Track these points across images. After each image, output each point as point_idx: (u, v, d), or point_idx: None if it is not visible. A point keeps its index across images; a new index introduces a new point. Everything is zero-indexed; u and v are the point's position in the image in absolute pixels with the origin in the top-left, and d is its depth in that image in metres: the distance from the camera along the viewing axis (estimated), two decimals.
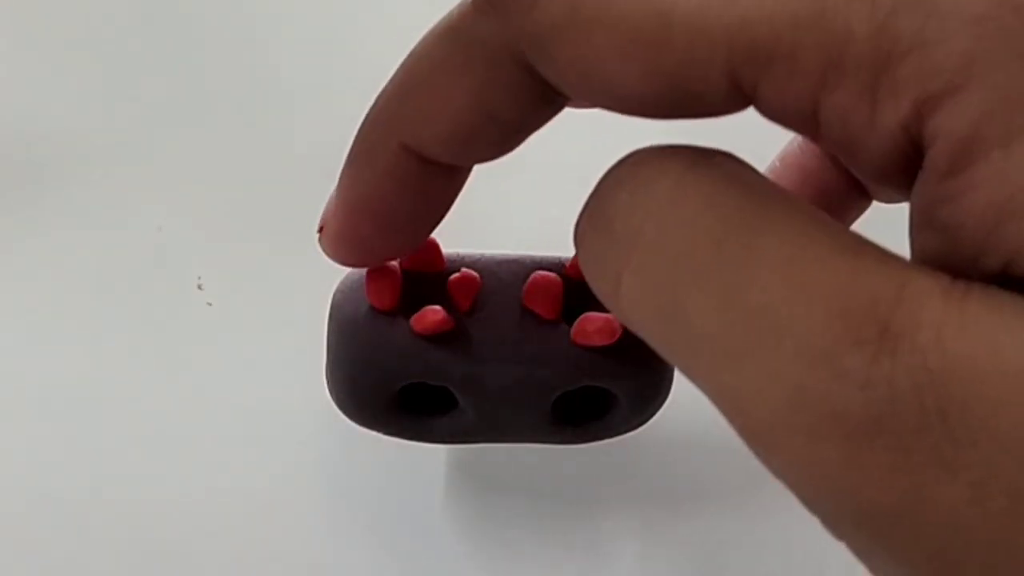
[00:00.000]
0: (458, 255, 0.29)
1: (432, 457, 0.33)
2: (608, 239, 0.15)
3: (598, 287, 0.16)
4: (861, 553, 0.13)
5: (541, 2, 0.15)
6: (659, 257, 0.14)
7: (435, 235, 0.30)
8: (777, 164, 0.24)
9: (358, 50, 0.40)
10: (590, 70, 0.15)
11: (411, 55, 0.18)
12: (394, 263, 0.28)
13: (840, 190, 0.24)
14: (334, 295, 0.29)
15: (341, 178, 0.19)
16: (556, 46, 0.15)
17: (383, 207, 0.18)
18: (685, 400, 0.28)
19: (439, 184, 0.18)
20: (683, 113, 0.16)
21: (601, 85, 0.15)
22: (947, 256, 0.13)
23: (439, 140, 0.17)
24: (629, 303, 0.15)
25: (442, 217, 0.20)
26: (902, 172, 0.14)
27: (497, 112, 0.17)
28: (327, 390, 0.29)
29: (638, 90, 0.15)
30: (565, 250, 0.30)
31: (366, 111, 0.20)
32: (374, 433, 0.29)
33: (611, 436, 0.29)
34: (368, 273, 0.28)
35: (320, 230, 0.19)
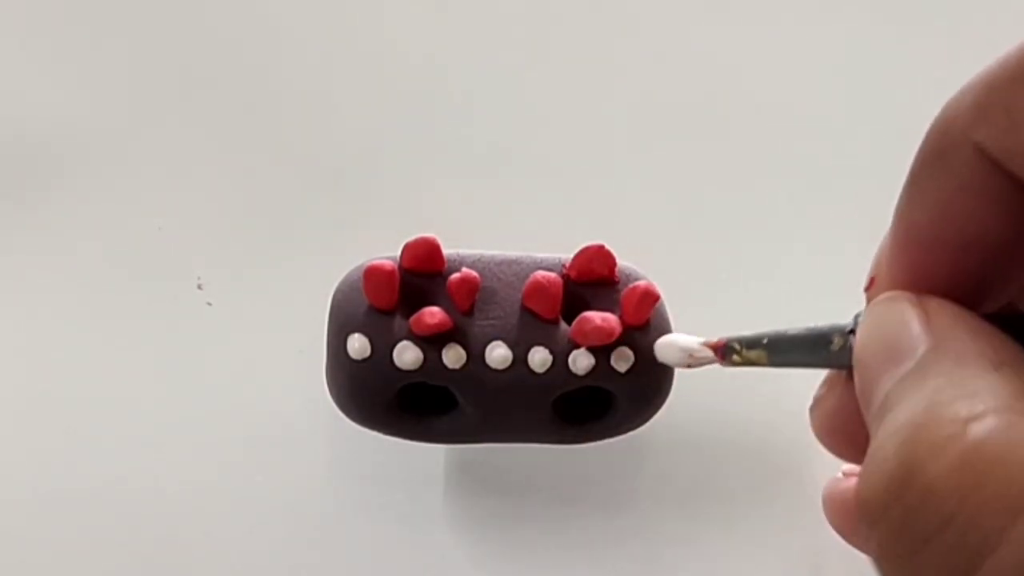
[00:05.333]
0: (458, 255, 0.29)
1: (432, 457, 0.33)
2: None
3: None
4: None
5: None
6: None
7: (435, 235, 0.30)
8: None
9: (358, 51, 0.40)
10: None
11: (1007, 52, 0.14)
12: (393, 263, 0.28)
13: None
14: (334, 295, 0.29)
15: (898, 202, 0.15)
16: None
17: (951, 232, 0.14)
18: (685, 400, 0.28)
19: (1018, 210, 0.14)
20: None
21: None
22: None
23: None
24: None
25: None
26: None
27: None
28: (327, 390, 0.29)
29: None
30: (565, 250, 0.30)
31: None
32: (374, 433, 0.29)
33: (611, 436, 0.29)
34: (368, 273, 0.28)
35: (869, 285, 0.16)
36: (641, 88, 0.39)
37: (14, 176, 0.38)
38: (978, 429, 0.12)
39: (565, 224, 0.35)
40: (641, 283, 0.28)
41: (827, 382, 0.17)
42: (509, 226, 0.36)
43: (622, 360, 0.27)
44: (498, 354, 0.27)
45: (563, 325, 0.28)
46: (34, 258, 0.36)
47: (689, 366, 0.25)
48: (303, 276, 0.35)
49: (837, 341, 0.17)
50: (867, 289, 0.16)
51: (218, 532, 0.32)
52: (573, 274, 0.29)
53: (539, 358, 0.27)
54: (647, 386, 0.28)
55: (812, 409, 0.18)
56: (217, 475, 0.33)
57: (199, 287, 0.36)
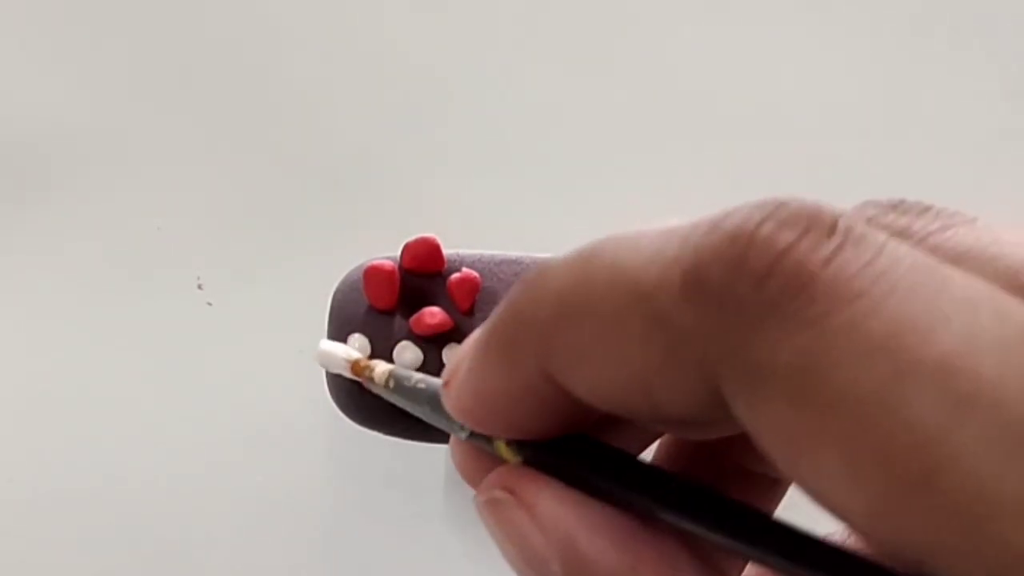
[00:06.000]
0: (458, 255, 0.29)
1: (432, 457, 0.33)
2: None
3: None
4: None
5: (774, 338, 0.12)
6: None
7: (435, 235, 0.30)
8: None
9: (358, 51, 0.40)
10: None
11: (577, 265, 0.15)
12: (394, 263, 0.28)
13: None
14: (334, 295, 0.29)
15: (475, 355, 0.16)
16: (798, 390, 0.12)
17: (511, 408, 0.15)
18: None
19: (577, 410, 0.15)
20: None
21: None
22: None
23: (588, 390, 0.14)
24: None
25: (584, 425, 0.16)
26: None
27: (663, 404, 0.14)
28: (327, 390, 0.29)
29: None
30: (565, 250, 0.30)
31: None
32: (374, 433, 0.29)
33: None
34: (368, 273, 0.28)
35: (445, 384, 0.16)
36: (641, 88, 0.39)
37: (14, 176, 0.38)
38: None
39: (565, 224, 0.35)
40: None
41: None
42: (509, 226, 0.36)
43: None
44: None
45: None
46: (34, 258, 0.36)
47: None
48: (303, 276, 0.35)
49: (463, 429, 0.17)
50: (445, 386, 0.16)
51: (218, 532, 0.32)
52: None
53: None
54: None
55: (451, 446, 0.18)
56: (217, 475, 0.33)
57: (199, 287, 0.36)
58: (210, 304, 0.35)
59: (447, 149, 0.38)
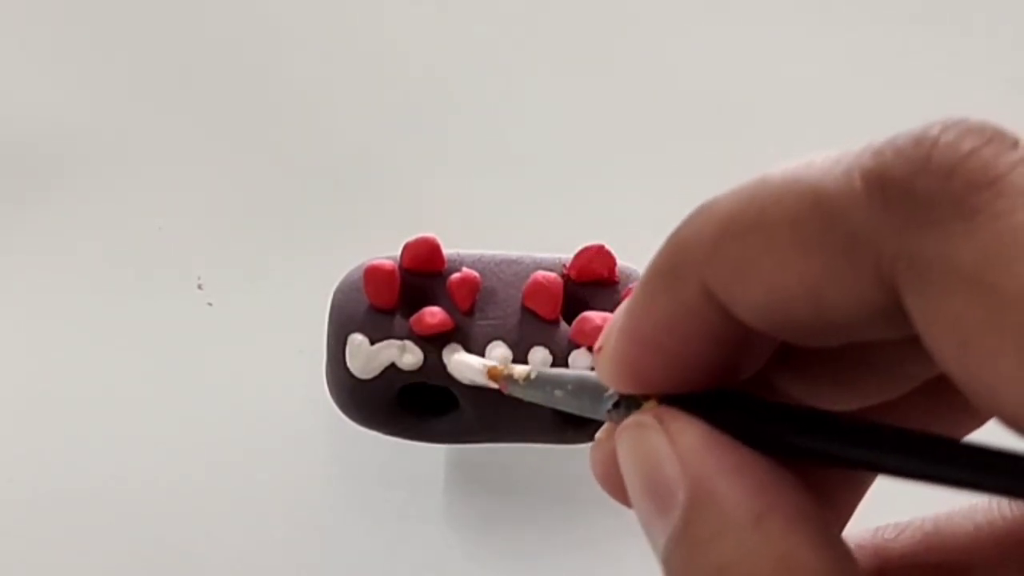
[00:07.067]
0: (458, 255, 0.29)
1: (432, 457, 0.33)
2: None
3: None
4: None
5: (957, 232, 0.12)
6: None
7: (435, 235, 0.30)
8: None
9: (358, 51, 0.40)
10: None
11: (745, 189, 0.15)
12: (394, 263, 0.28)
13: None
14: (334, 295, 0.29)
15: (631, 300, 0.16)
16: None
17: (672, 345, 0.15)
18: None
19: (742, 339, 0.15)
20: None
21: None
22: None
23: (751, 306, 0.14)
24: None
25: (749, 369, 0.16)
26: None
27: (831, 308, 0.14)
28: (327, 390, 0.29)
29: None
30: (565, 250, 0.30)
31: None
32: (374, 433, 0.29)
33: None
34: (368, 273, 0.28)
35: (598, 349, 0.16)
36: (641, 88, 0.39)
37: (14, 176, 0.38)
38: None
39: (565, 224, 0.35)
40: None
41: (606, 429, 0.17)
42: (509, 226, 0.36)
43: None
44: (498, 354, 0.27)
45: (563, 325, 0.28)
46: (34, 258, 0.36)
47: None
48: (303, 276, 0.35)
49: (607, 399, 0.17)
50: (596, 352, 0.16)
51: (218, 532, 0.32)
52: (573, 274, 0.29)
53: (539, 358, 0.27)
54: None
55: (591, 451, 0.18)
56: (217, 475, 0.33)
57: (199, 287, 0.36)
58: (210, 304, 0.35)
59: (447, 149, 0.38)
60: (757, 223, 0.14)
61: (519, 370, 0.20)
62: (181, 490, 0.33)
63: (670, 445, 0.15)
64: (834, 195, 0.13)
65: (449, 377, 0.27)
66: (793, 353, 0.16)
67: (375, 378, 0.28)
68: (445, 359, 0.27)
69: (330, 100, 0.39)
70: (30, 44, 0.40)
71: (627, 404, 0.16)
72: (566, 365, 0.27)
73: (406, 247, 0.28)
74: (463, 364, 0.23)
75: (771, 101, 0.39)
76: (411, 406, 0.29)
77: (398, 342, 0.27)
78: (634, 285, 0.28)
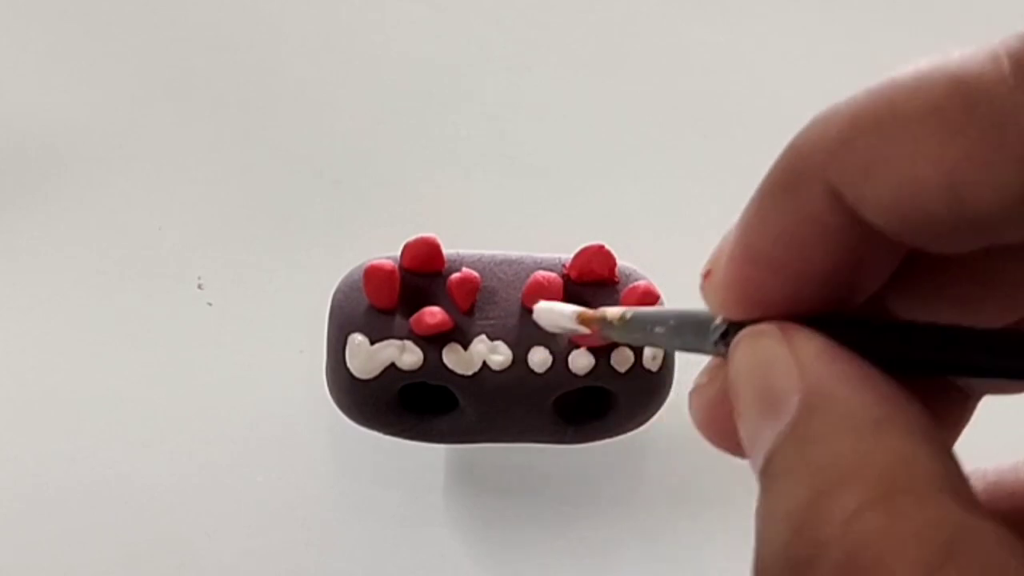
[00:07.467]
0: (458, 255, 0.29)
1: (432, 457, 0.33)
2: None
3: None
4: None
5: None
6: None
7: (435, 235, 0.30)
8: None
9: (358, 51, 0.40)
10: None
11: (870, 90, 0.14)
12: (394, 263, 0.28)
13: None
14: (334, 295, 0.29)
15: (743, 218, 0.15)
16: None
17: (792, 262, 0.14)
18: (685, 400, 0.28)
19: (866, 249, 0.14)
20: None
21: None
22: None
23: (882, 204, 0.13)
24: None
25: (869, 288, 0.15)
26: None
27: (971, 199, 0.13)
28: (327, 390, 0.29)
29: None
30: (565, 250, 0.30)
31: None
32: (374, 433, 0.29)
33: (611, 436, 0.29)
34: (368, 273, 0.28)
35: (706, 275, 0.15)
36: (641, 88, 0.39)
37: (14, 176, 0.38)
38: (859, 529, 0.12)
39: (565, 224, 0.35)
40: (641, 283, 0.28)
41: (708, 371, 0.16)
42: (509, 226, 0.36)
43: (622, 360, 0.27)
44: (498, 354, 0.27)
45: None
46: (34, 258, 0.36)
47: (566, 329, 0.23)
48: (303, 276, 0.35)
49: (715, 330, 0.16)
50: (705, 278, 0.16)
51: (218, 532, 0.32)
52: (573, 274, 0.29)
53: (539, 358, 0.27)
54: (647, 386, 0.28)
55: (691, 396, 0.17)
56: (217, 475, 0.33)
57: (199, 287, 0.36)
58: (210, 304, 0.35)
59: (447, 149, 0.38)
60: (890, 114, 0.13)
61: (612, 312, 0.19)
62: (180, 489, 0.32)
63: (789, 350, 0.14)
64: (978, 78, 0.13)
65: (449, 377, 0.27)
66: (916, 270, 0.15)
67: (375, 378, 0.28)
68: (445, 359, 0.27)
69: (330, 100, 0.39)
70: (30, 44, 0.40)
71: (737, 334, 0.15)
72: (566, 365, 0.27)
73: (406, 247, 0.28)
74: (551, 312, 0.22)
75: (772, 102, 0.38)
76: (411, 406, 0.29)
77: (398, 342, 0.27)
78: (635, 285, 0.28)
